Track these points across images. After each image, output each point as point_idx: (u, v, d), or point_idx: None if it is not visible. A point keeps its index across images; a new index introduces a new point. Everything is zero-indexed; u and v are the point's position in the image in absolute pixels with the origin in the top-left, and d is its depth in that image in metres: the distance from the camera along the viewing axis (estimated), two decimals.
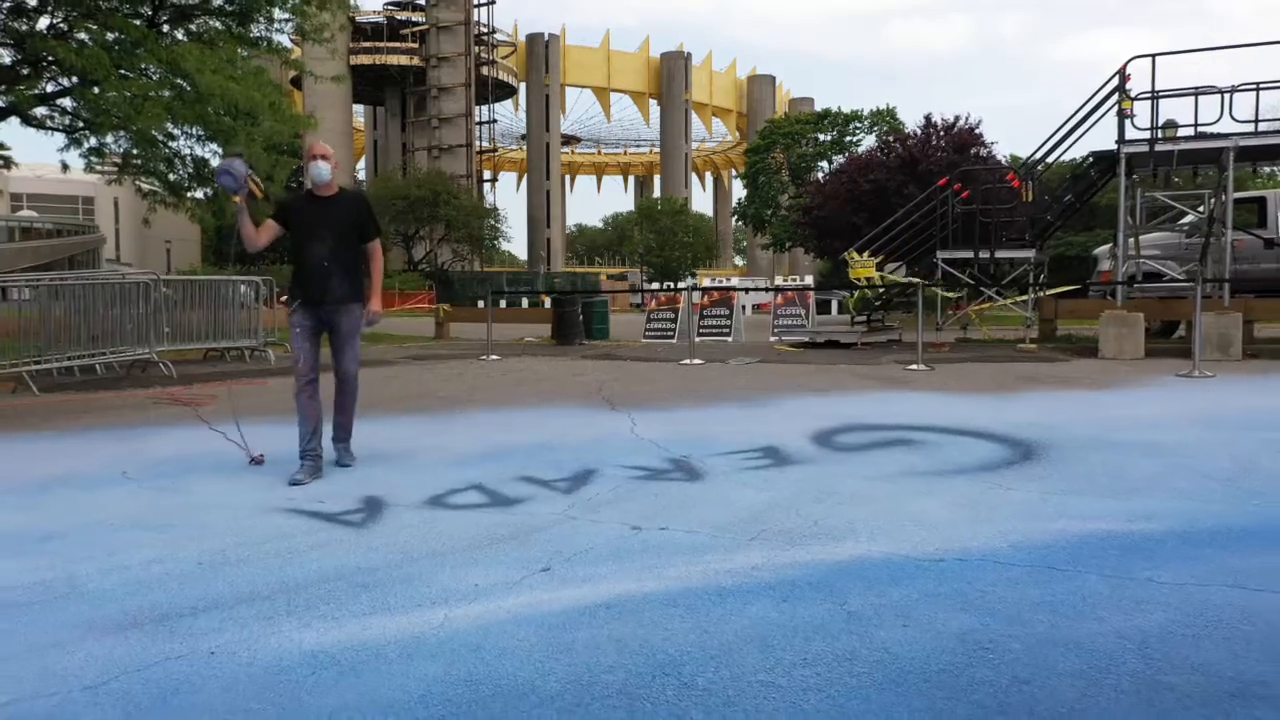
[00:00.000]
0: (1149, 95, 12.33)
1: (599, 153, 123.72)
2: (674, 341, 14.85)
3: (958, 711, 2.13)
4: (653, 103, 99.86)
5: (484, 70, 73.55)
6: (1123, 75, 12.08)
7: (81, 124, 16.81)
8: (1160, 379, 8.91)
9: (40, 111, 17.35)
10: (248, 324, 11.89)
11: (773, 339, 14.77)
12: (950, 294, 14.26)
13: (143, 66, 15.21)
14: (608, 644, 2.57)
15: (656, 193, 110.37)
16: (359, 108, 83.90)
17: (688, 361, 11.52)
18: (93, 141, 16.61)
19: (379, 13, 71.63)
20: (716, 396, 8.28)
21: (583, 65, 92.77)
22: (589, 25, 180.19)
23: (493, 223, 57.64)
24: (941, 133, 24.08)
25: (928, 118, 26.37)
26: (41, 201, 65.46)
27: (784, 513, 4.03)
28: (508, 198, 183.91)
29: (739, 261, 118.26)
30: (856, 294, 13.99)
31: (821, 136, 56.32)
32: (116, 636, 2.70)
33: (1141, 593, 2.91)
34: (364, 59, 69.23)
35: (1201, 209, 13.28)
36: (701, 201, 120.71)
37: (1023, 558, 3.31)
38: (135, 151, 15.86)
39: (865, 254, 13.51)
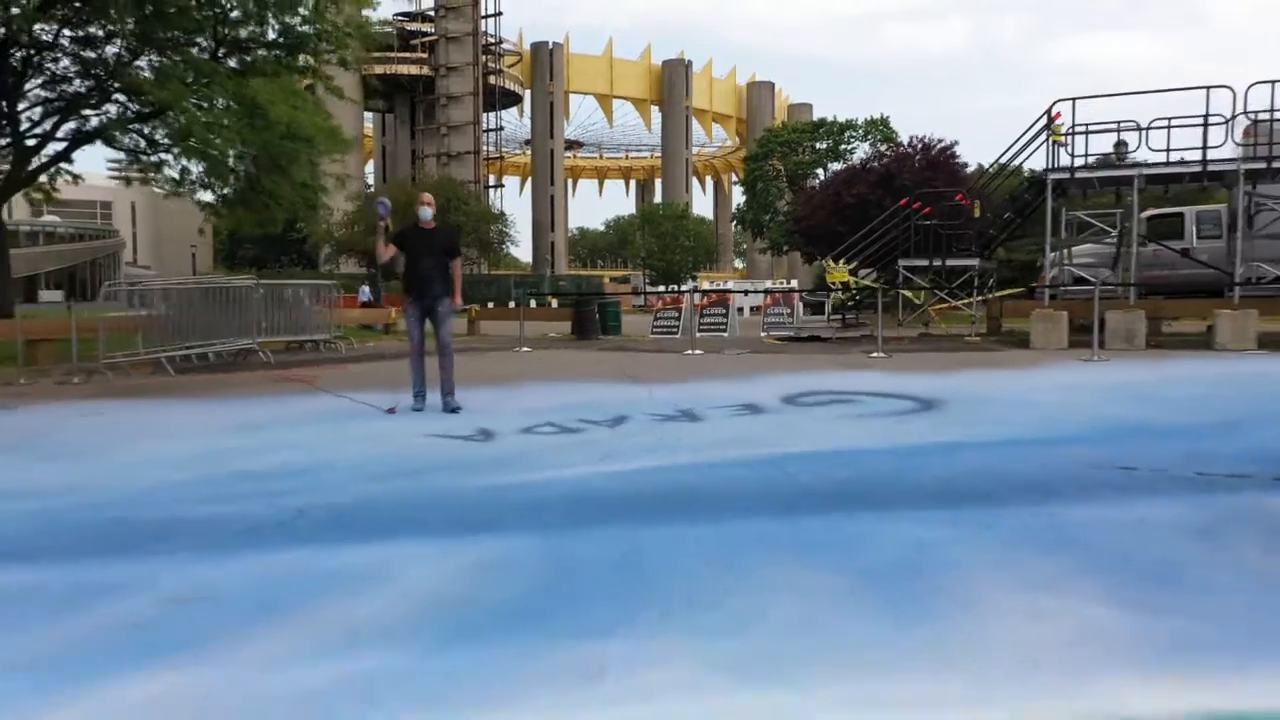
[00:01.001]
0: (1081, 130, 14.62)
1: (601, 157, 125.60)
2: (678, 336, 17.14)
3: (824, 491, 4.43)
4: (654, 109, 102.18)
5: (491, 79, 75.91)
6: (1050, 115, 14.39)
7: (155, 148, 19.12)
8: (1065, 363, 11.20)
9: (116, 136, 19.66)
10: (321, 321, 14.18)
11: (762, 334, 17.06)
12: (914, 297, 16.53)
13: (213, 97, 17.53)
14: (647, 481, 4.86)
15: (658, 196, 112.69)
16: (367, 114, 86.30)
17: (690, 352, 13.81)
18: (168, 165, 18.97)
19: (390, 23, 73.90)
20: (713, 374, 10.57)
21: (586, 72, 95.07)
22: (588, 26, 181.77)
23: (501, 228, 59.94)
24: (919, 153, 26.29)
25: (910, 139, 28.79)
26: (62, 206, 67.40)
27: (754, 435, 6.32)
28: (511, 201, 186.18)
29: (739, 264, 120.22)
30: (833, 295, 16.30)
31: (818, 145, 58.58)
32: (380, 484, 4.98)
33: (937, 461, 5.20)
34: (375, 68, 71.69)
35: (1127, 227, 15.58)
36: (702, 205, 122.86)
37: (889, 451, 5.61)
38: (206, 174, 18.11)
39: (840, 261, 15.83)
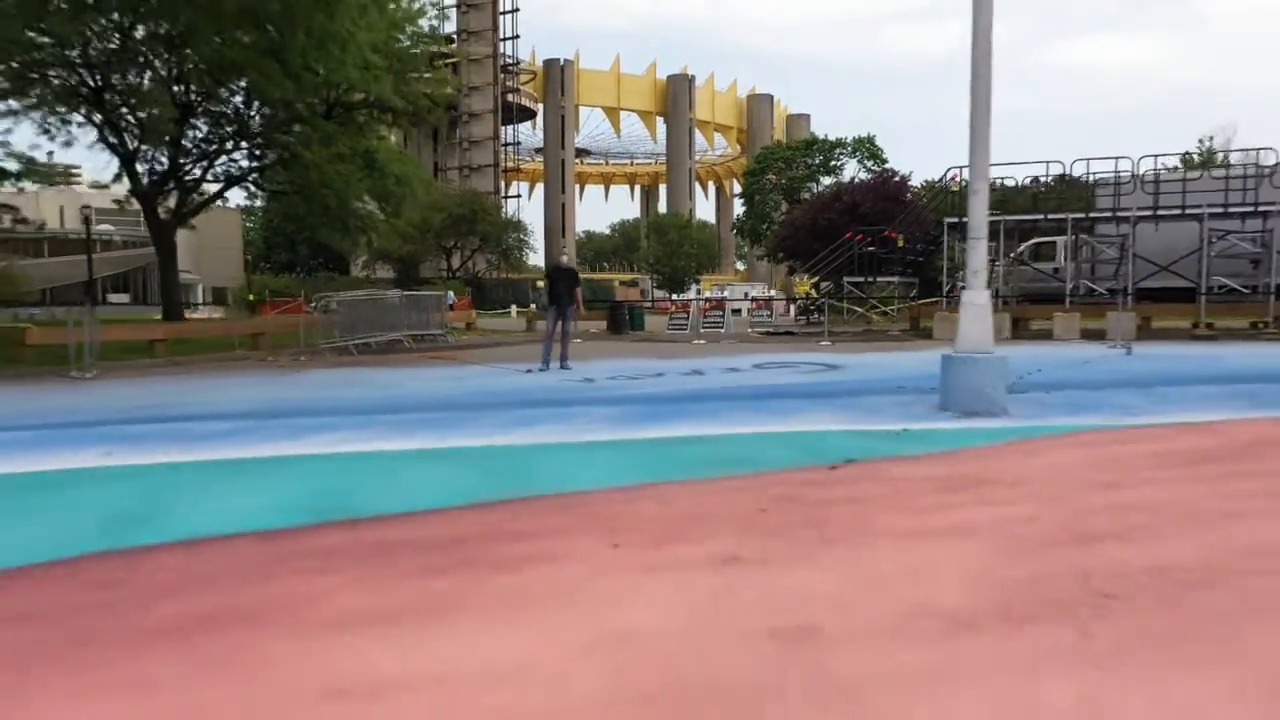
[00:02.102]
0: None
1: (607, 163, 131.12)
2: (686, 331, 22.84)
3: (755, 395, 10.19)
4: (659, 120, 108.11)
5: (508, 97, 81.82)
6: (945, 176, 20.14)
7: (289, 190, 24.84)
8: (944, 347, 16.91)
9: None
10: (436, 320, 19.97)
11: (750, 330, 22.76)
12: (856, 307, 22.27)
13: (339, 151, 23.25)
14: (678, 393, 10.62)
15: (662, 201, 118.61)
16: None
17: (696, 341, 19.57)
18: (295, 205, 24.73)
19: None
20: (711, 354, 16.35)
21: (594, 87, 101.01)
22: (589, 27, 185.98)
23: (520, 236, 65.79)
24: (875, 186, 31.86)
25: (874, 173, 34.69)
26: (107, 215, 73.21)
27: (731, 379, 12.10)
28: (522, 205, 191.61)
29: (740, 266, 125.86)
30: (800, 301, 22.03)
31: (811, 161, 64.36)
32: (556, 393, 10.72)
33: (807, 386, 10.93)
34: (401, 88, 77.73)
35: (1020, 250, 21.36)
36: (704, 209, 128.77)
37: (795, 384, 11.35)
38: (329, 212, 23.81)
39: (804, 276, 21.49)
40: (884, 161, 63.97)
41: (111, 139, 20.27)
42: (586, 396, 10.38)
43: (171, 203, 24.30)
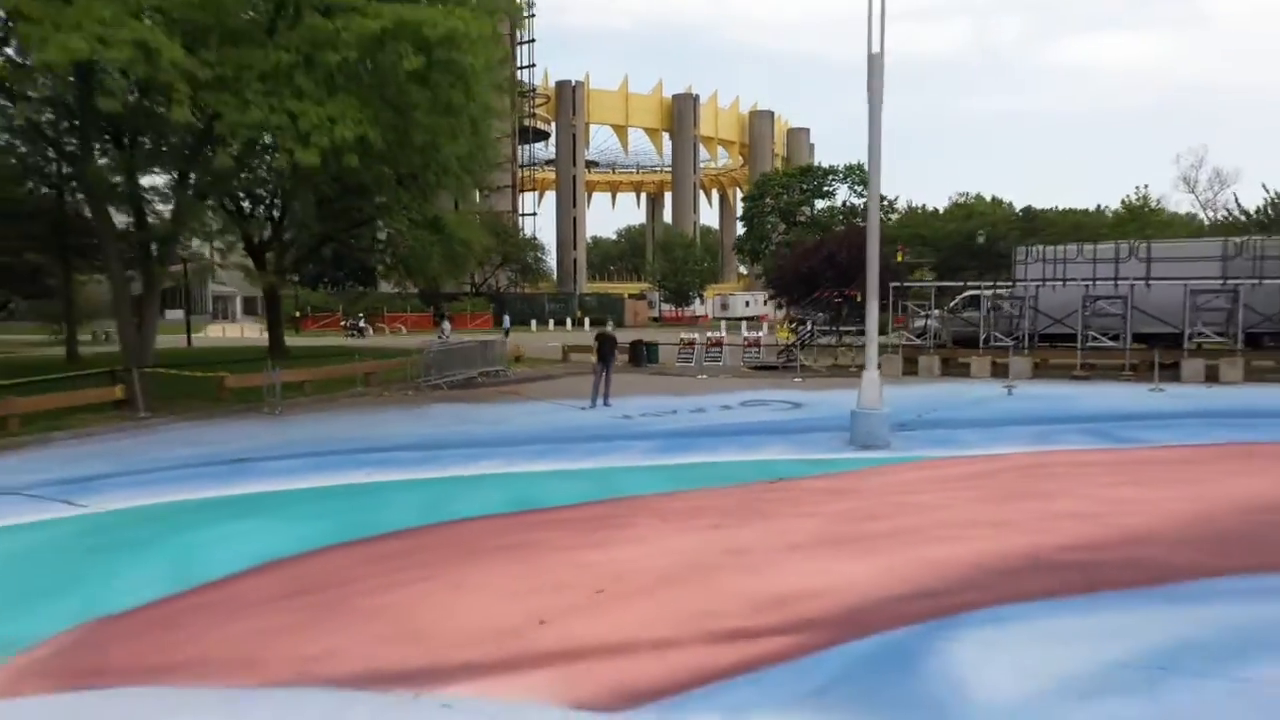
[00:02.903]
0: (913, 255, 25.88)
1: (614, 172, 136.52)
2: (692, 364, 28.39)
3: (724, 431, 15.83)
4: (665, 135, 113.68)
5: (525, 121, 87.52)
6: (899, 248, 25.67)
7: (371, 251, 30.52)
8: (903, 382, 22.53)
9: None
10: (499, 359, 25.61)
11: (742, 364, 28.31)
12: (828, 344, 27.77)
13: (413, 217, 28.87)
14: (687, 429, 16.25)
15: (667, 208, 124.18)
16: None
17: (700, 375, 25.19)
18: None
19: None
20: (711, 390, 21.95)
21: (604, 106, 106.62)
22: (589, 27, 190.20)
23: (538, 255, 71.49)
24: (849, 237, 37.27)
25: (851, 222, 40.23)
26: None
27: (721, 417, 17.73)
28: (536, 221, 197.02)
29: (744, 269, 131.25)
30: (781, 335, 27.56)
31: (806, 185, 69.95)
32: (608, 428, 16.35)
33: (772, 422, 16.56)
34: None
35: (955, 302, 26.91)
36: (708, 215, 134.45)
37: (763, 420, 16.98)
38: (407, 269, 29.43)
39: (785, 323, 26.99)
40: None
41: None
42: (629, 432, 16.00)
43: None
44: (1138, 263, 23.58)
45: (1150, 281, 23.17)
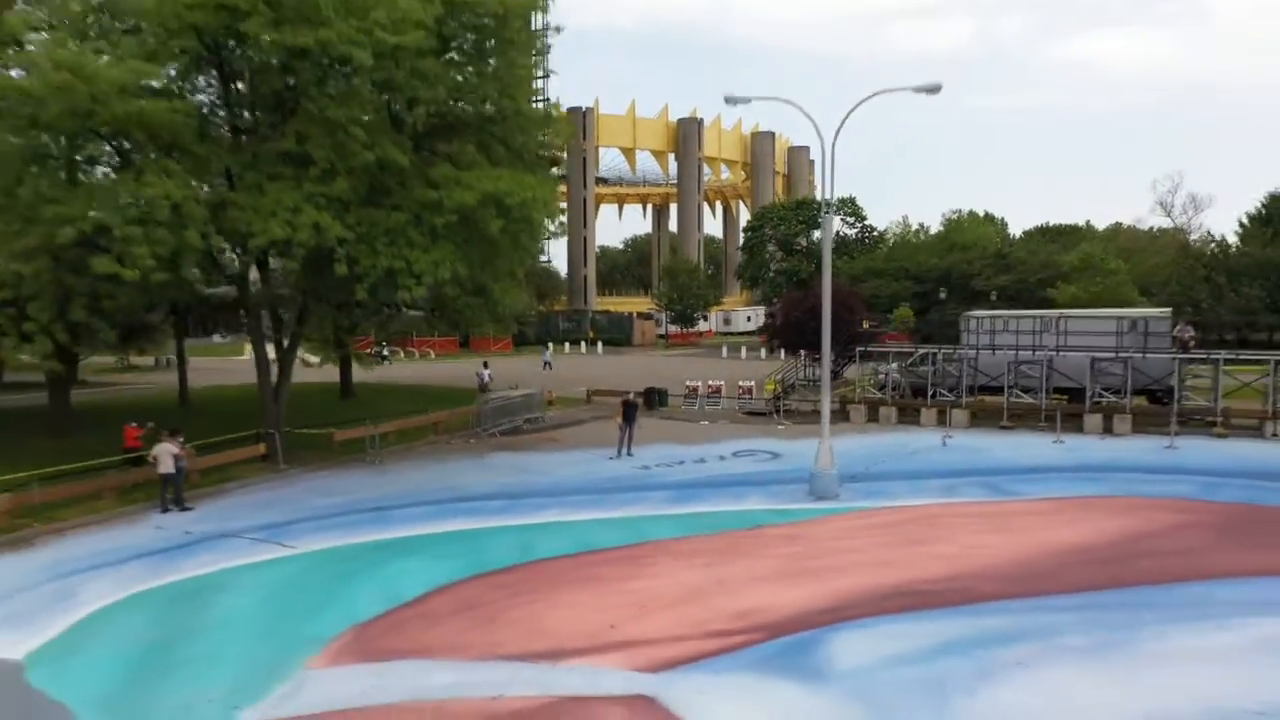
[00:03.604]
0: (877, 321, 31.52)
1: (621, 185, 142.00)
2: (697, 409, 34.03)
3: (718, 483, 21.48)
4: (670, 157, 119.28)
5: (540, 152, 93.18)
6: (862, 321, 31.26)
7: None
8: (859, 433, 28.12)
9: None
10: (535, 405, 31.23)
11: (737, 409, 33.94)
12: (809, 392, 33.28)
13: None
14: (694, 476, 21.87)
15: (673, 221, 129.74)
16: None
17: (702, 422, 30.82)
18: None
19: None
20: (709, 438, 27.58)
21: (612, 129, 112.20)
22: (591, 26, 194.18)
23: (554, 284, 77.13)
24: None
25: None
26: None
27: (716, 468, 23.37)
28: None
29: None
30: (768, 388, 33.18)
31: (802, 217, 75.48)
32: (633, 478, 21.99)
33: (750, 474, 22.19)
34: None
35: (912, 359, 32.49)
36: (712, 226, 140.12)
37: (748, 472, 22.62)
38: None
39: (770, 377, 32.59)
40: (863, 218, 75.21)
41: None
42: (648, 483, 21.62)
43: None
44: (1052, 336, 29.19)
45: (1062, 351, 28.77)
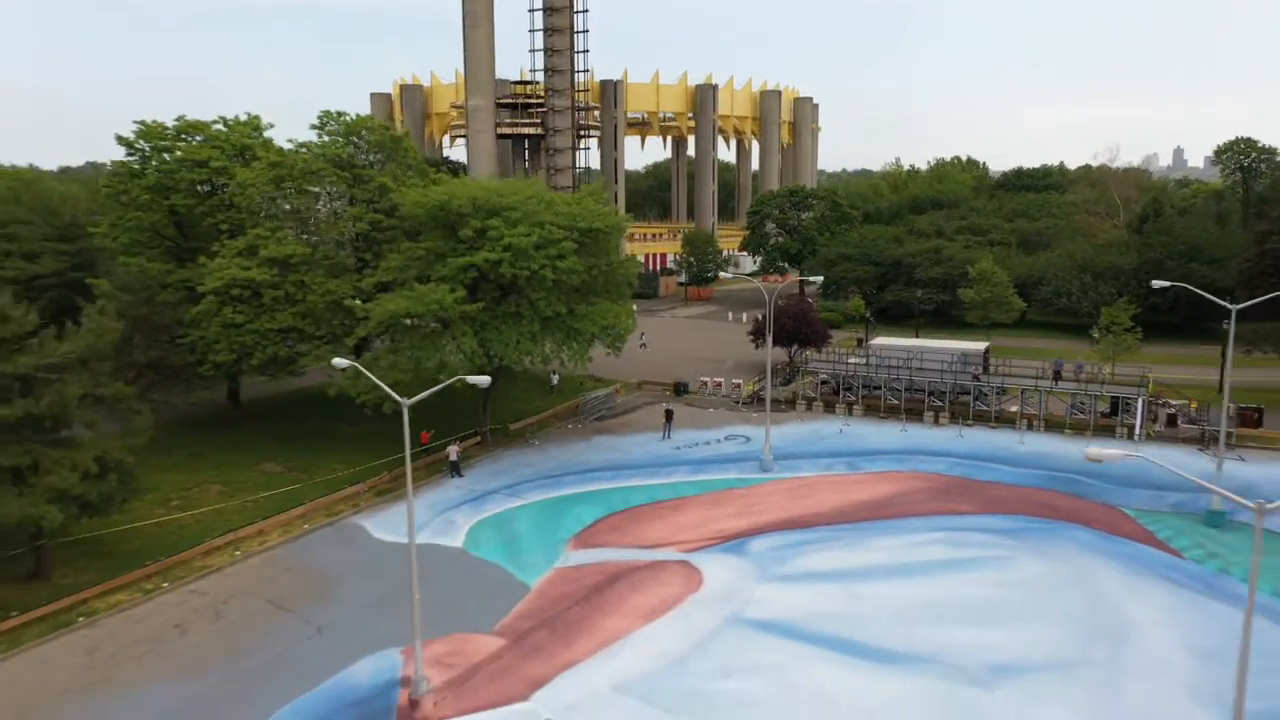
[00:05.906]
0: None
1: (644, 119, 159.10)
2: (708, 394, 54.96)
3: (712, 460, 42.89)
4: (689, 116, 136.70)
5: (580, 132, 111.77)
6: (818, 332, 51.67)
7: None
8: (803, 418, 49.15)
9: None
10: (611, 399, 52.31)
11: (731, 398, 54.76)
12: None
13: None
14: (704, 455, 43.27)
15: (691, 151, 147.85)
16: None
17: (710, 410, 51.98)
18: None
19: (514, 97, 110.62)
20: (713, 424, 48.82)
21: (639, 96, 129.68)
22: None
23: None
24: (794, 309, 62.37)
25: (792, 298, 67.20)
26: None
27: (712, 449, 44.72)
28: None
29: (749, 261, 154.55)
30: (748, 388, 53.83)
31: (794, 201, 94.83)
32: (680, 455, 43.42)
33: (724, 452, 43.52)
34: (505, 129, 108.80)
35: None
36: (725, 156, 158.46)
37: (731, 452, 43.98)
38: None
39: (749, 378, 52.93)
40: (844, 210, 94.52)
41: None
42: (679, 460, 42.96)
43: None
44: (917, 359, 49.95)
45: (922, 367, 49.79)
